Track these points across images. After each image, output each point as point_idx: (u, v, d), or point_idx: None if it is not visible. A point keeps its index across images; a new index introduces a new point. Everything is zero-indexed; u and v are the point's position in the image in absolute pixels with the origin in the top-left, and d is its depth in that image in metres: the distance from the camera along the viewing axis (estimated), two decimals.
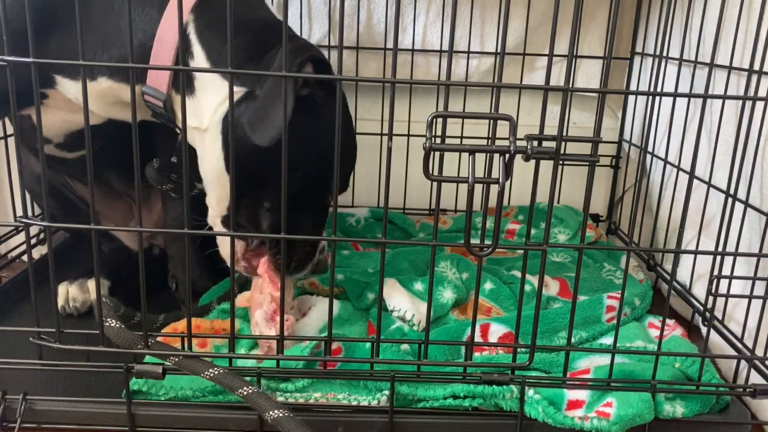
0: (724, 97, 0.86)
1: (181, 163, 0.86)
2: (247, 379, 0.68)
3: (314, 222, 0.82)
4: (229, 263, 0.78)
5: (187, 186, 0.69)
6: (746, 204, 0.81)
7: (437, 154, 0.61)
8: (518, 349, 0.73)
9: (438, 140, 0.60)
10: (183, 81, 0.64)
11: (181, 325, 0.80)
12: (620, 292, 0.78)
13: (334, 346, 0.81)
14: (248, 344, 0.81)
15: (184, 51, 0.70)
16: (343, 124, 0.80)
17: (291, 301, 0.87)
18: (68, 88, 0.78)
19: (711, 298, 0.77)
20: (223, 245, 0.81)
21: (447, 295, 0.93)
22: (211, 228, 0.81)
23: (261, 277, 0.79)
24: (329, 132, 0.76)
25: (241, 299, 0.86)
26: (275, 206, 0.76)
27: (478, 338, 0.82)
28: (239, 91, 0.73)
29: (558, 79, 1.26)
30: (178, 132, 0.81)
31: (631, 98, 1.23)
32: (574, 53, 1.24)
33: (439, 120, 0.61)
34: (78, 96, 0.78)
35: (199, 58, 0.74)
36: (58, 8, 0.74)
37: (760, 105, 0.76)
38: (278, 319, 0.73)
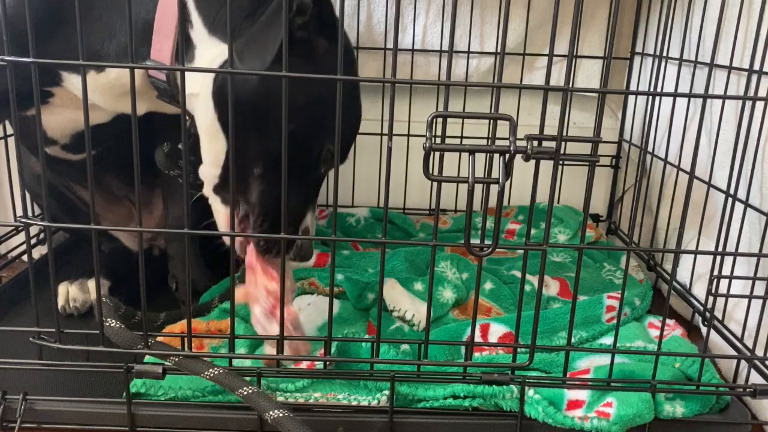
0: (724, 97, 0.86)
1: (190, 149, 0.85)
2: (247, 379, 0.68)
3: (304, 193, 0.76)
4: (223, 228, 0.76)
5: (187, 183, 0.69)
6: (746, 204, 0.81)
7: (437, 154, 0.61)
8: (518, 349, 0.73)
9: (438, 140, 0.60)
10: (183, 81, 0.64)
11: (178, 326, 0.80)
12: (620, 292, 0.78)
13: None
14: (248, 344, 0.81)
15: (182, 51, 0.70)
16: (347, 84, 0.75)
17: (291, 284, 0.82)
18: (75, 83, 0.78)
19: (711, 298, 0.77)
20: (217, 216, 0.78)
21: (447, 295, 0.93)
22: (211, 227, 0.80)
23: (251, 267, 0.76)
24: (328, 87, 0.72)
25: (238, 295, 0.83)
26: (265, 171, 0.73)
27: (478, 338, 0.82)
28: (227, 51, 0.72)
29: (558, 79, 1.26)
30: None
31: (631, 98, 1.23)
32: (574, 53, 1.24)
33: (439, 120, 0.61)
34: (88, 91, 0.78)
35: (197, 24, 0.74)
36: (63, 3, 0.74)
37: (760, 105, 0.76)
38: (278, 313, 0.70)
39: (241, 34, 0.71)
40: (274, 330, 0.72)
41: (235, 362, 0.72)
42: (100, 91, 0.77)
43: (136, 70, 0.74)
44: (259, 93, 0.70)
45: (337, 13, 0.73)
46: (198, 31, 0.74)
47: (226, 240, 0.79)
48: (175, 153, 0.86)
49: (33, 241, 1.05)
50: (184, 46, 0.73)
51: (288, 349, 0.73)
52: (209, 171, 0.77)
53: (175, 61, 0.74)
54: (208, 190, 0.78)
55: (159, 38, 0.73)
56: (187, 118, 0.77)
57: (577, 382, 0.73)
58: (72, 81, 0.78)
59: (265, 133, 0.71)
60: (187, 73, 0.72)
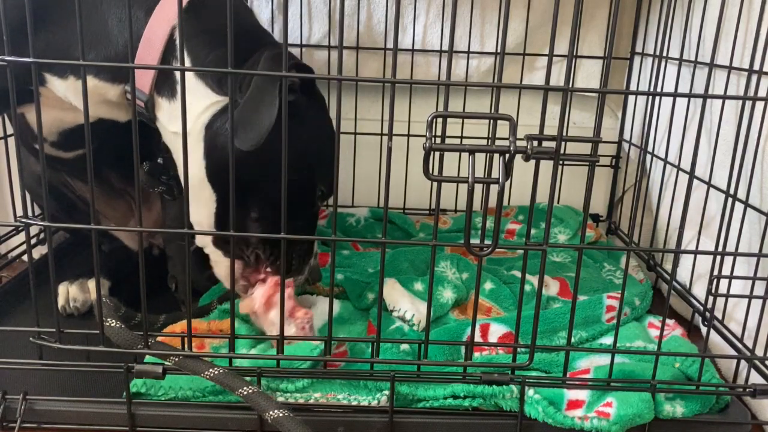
0: (724, 97, 0.86)
1: (168, 164, 0.86)
2: (247, 379, 0.68)
3: (304, 227, 0.82)
4: (226, 284, 0.80)
5: (187, 181, 0.69)
6: (746, 204, 0.81)
7: (437, 154, 0.61)
8: (518, 349, 0.73)
9: (438, 140, 0.60)
10: (183, 83, 0.64)
11: (179, 326, 0.80)
12: (620, 292, 0.78)
13: (341, 348, 0.81)
14: (247, 344, 0.81)
15: (182, 51, 0.70)
16: (325, 127, 0.82)
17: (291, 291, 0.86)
18: (57, 86, 0.79)
19: (711, 298, 0.77)
20: (218, 266, 0.82)
21: (447, 295, 0.93)
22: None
23: (265, 284, 0.79)
24: (313, 136, 0.77)
25: (244, 307, 0.85)
26: (262, 216, 0.77)
27: (478, 338, 0.82)
28: (222, 101, 0.74)
29: (558, 79, 1.26)
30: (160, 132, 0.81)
31: (631, 98, 1.23)
32: (574, 53, 1.24)
33: (439, 120, 0.61)
34: (66, 94, 0.79)
35: (186, 63, 0.75)
36: (45, 6, 0.74)
37: (760, 105, 0.76)
38: (297, 314, 0.75)
39: (226, 89, 0.72)
40: (291, 331, 0.76)
41: (235, 362, 0.72)
42: (78, 97, 0.78)
43: (117, 87, 0.76)
44: (251, 156, 0.70)
45: (338, 13, 0.73)
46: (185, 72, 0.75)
47: (219, 276, 0.83)
48: (156, 170, 0.87)
49: (33, 241, 1.05)
50: (182, 50, 0.73)
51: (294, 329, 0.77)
52: (201, 222, 0.78)
53: (154, 91, 0.76)
54: (204, 242, 0.80)
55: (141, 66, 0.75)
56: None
57: (577, 382, 0.73)
58: (54, 83, 0.79)
59: (259, 186, 0.74)
60: (175, 110, 0.75)
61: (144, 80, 0.75)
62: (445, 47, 1.24)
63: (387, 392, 0.72)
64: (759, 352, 0.77)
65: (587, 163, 0.64)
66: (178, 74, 0.74)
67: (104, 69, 0.76)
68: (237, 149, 0.67)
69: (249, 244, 0.79)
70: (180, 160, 0.77)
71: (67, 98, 0.79)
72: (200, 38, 0.75)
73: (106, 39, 0.75)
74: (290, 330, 0.76)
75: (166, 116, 0.76)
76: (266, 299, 0.78)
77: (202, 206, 0.77)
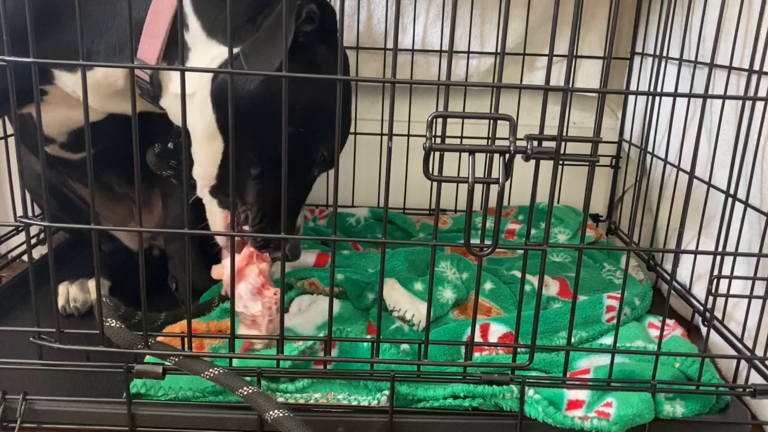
0: (724, 97, 0.86)
1: (179, 149, 0.84)
2: (247, 379, 0.68)
3: (297, 194, 0.80)
4: (217, 228, 0.78)
5: (187, 182, 0.68)
6: (746, 204, 0.81)
7: (437, 154, 0.61)
8: (518, 349, 0.73)
9: (438, 140, 0.60)
10: (183, 82, 0.64)
11: (178, 326, 0.80)
12: (620, 292, 0.78)
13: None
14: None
15: (182, 50, 0.70)
16: (343, 89, 0.77)
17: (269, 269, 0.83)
18: (66, 81, 0.78)
19: (711, 298, 0.77)
20: (212, 216, 0.79)
21: (447, 295, 0.93)
22: (207, 227, 0.80)
23: (247, 251, 0.77)
24: (325, 91, 0.73)
25: (217, 272, 0.82)
26: (262, 172, 0.74)
27: (478, 338, 0.82)
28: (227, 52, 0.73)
29: (558, 79, 1.26)
30: (165, 112, 0.79)
31: (631, 98, 1.23)
32: (574, 53, 1.24)
33: (439, 120, 0.61)
34: (76, 89, 0.78)
35: (194, 27, 0.74)
36: (55, 2, 0.74)
37: (760, 105, 0.76)
38: (266, 293, 0.73)
39: (243, 39, 0.71)
40: (257, 309, 0.74)
41: (235, 362, 0.72)
42: (89, 90, 0.77)
43: (121, 69, 0.75)
44: (260, 96, 0.70)
45: (338, 13, 0.73)
46: (195, 33, 0.74)
47: (220, 240, 0.79)
48: (166, 153, 0.86)
49: (33, 241, 1.05)
50: (183, 47, 0.72)
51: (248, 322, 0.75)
52: (206, 172, 0.77)
53: (162, 60, 0.74)
54: (203, 192, 0.78)
55: (148, 38, 0.73)
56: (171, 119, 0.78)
57: (577, 382, 0.73)
58: (63, 79, 0.78)
59: (264, 135, 0.72)
60: (178, 73, 0.72)
61: (151, 52, 0.74)
62: (445, 47, 1.24)
63: (387, 392, 0.72)
64: (759, 352, 0.77)
65: (587, 163, 0.64)
66: (190, 39, 0.73)
67: (114, 56, 0.75)
68: (245, 94, 0.66)
69: (244, 202, 0.77)
70: (193, 121, 0.74)
71: (76, 93, 0.78)
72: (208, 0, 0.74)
73: (115, 24, 0.74)
74: (256, 308, 0.74)
75: (175, 83, 0.74)
76: (238, 270, 0.75)
77: (209, 157, 0.76)
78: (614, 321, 0.87)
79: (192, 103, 0.73)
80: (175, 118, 0.78)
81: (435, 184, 0.63)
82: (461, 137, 1.21)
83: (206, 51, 0.73)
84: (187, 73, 0.72)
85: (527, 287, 0.96)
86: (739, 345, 0.81)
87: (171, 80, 0.75)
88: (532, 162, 0.62)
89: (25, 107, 0.81)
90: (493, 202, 0.64)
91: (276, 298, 0.75)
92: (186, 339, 0.71)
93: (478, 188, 0.61)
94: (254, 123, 0.71)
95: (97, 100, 0.79)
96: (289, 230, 0.76)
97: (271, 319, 0.75)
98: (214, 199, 0.78)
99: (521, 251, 0.96)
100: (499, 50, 1.19)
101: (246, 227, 0.78)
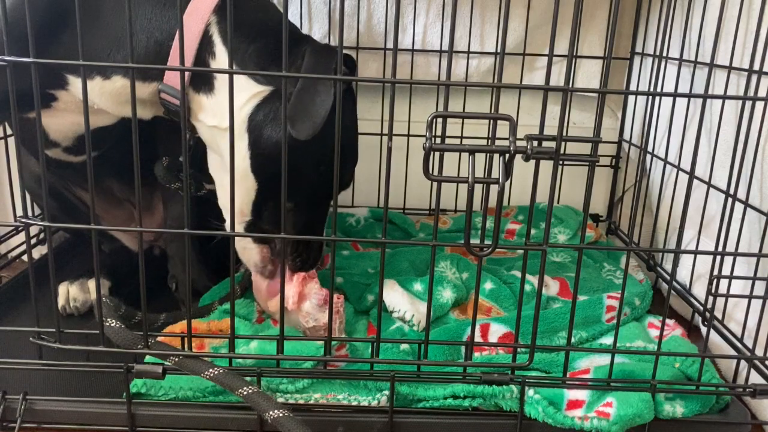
0: (724, 97, 0.86)
1: (192, 160, 0.86)
2: (247, 379, 0.68)
3: (321, 219, 0.85)
4: (252, 268, 0.83)
5: (188, 185, 0.69)
6: (746, 204, 0.81)
7: (437, 154, 0.61)
8: (518, 349, 0.73)
9: (438, 140, 0.60)
10: (183, 84, 0.64)
11: (179, 326, 0.80)
12: (620, 292, 0.78)
13: (342, 350, 0.81)
14: (248, 344, 0.80)
15: (182, 51, 0.70)
16: (351, 123, 0.85)
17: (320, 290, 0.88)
18: (80, 88, 0.78)
19: (711, 298, 0.77)
20: (246, 252, 0.82)
21: (447, 295, 0.93)
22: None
23: (298, 276, 0.83)
24: (343, 129, 0.78)
25: (274, 304, 0.85)
26: (297, 205, 0.78)
27: (478, 338, 0.82)
28: (265, 91, 0.74)
29: (558, 79, 1.26)
30: (193, 131, 0.81)
31: (631, 98, 1.23)
32: (574, 53, 1.24)
33: (439, 120, 0.61)
34: (91, 95, 0.78)
35: (221, 59, 0.75)
36: (69, 7, 0.74)
37: (760, 105, 0.76)
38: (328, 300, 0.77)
39: (268, 79, 0.74)
40: (325, 319, 0.79)
41: (235, 362, 0.72)
42: (107, 97, 0.78)
43: (149, 85, 0.76)
44: (292, 142, 0.71)
45: (338, 13, 0.74)
46: (222, 63, 0.74)
47: (251, 267, 0.84)
48: (174, 166, 0.87)
49: (33, 241, 1.05)
50: (209, 75, 0.73)
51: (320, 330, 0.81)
52: (240, 210, 0.79)
53: (190, 86, 0.76)
54: (238, 228, 0.80)
55: (174, 64, 0.74)
56: (191, 133, 0.81)
57: (577, 382, 0.73)
58: (78, 86, 0.78)
59: (296, 174, 0.74)
60: (214, 104, 0.76)
61: (178, 78, 0.74)
62: (445, 47, 1.24)
63: (387, 392, 0.72)
64: (759, 352, 0.77)
65: (587, 163, 0.64)
66: (218, 69, 0.75)
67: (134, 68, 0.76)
68: (279, 139, 0.70)
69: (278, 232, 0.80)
70: (221, 153, 0.77)
71: (92, 101, 0.78)
72: (238, 32, 0.75)
73: (134, 38, 0.75)
74: (326, 317, 0.75)
75: (204, 112, 0.76)
76: (299, 294, 0.82)
77: (242, 195, 0.78)
78: (614, 321, 0.87)
79: (224, 137, 0.74)
80: (211, 144, 0.80)
81: (435, 184, 0.63)
82: (461, 137, 1.21)
83: (238, 86, 0.74)
84: (221, 107, 0.75)
85: (527, 287, 0.96)
86: (739, 345, 0.81)
87: (201, 108, 0.76)
88: (532, 162, 0.62)
89: (30, 112, 0.81)
90: (493, 202, 0.64)
91: (341, 300, 0.84)
92: (186, 339, 0.71)
93: (478, 188, 0.61)
94: (288, 165, 0.73)
95: (115, 106, 0.80)
96: (317, 252, 0.85)
97: (341, 320, 0.84)
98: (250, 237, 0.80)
99: (521, 251, 0.96)
100: (499, 50, 1.19)
101: (276, 258, 0.84)
